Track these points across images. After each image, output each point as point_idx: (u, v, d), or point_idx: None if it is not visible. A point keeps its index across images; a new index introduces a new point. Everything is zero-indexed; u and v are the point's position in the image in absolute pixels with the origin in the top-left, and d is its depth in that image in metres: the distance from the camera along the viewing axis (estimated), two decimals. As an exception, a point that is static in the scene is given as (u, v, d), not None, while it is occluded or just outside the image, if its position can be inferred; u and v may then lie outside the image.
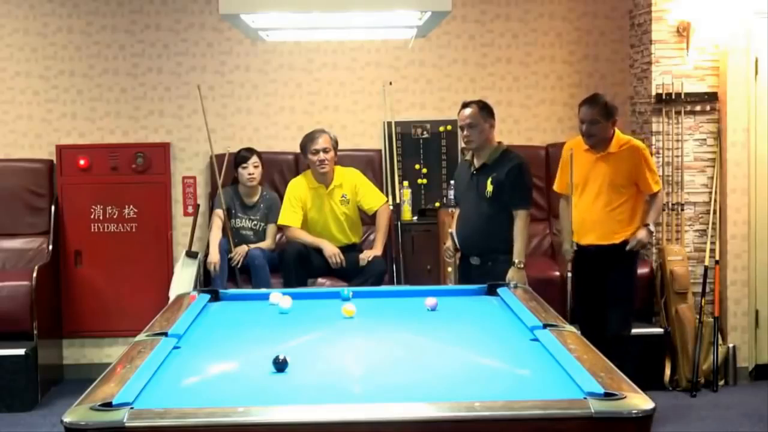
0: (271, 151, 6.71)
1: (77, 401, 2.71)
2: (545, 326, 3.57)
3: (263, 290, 5.05)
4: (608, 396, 2.68)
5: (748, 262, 6.35)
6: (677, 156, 6.38)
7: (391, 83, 6.81)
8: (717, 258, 6.33)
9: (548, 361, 3.16)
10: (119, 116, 6.81)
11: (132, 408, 2.63)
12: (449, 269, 5.97)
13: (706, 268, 6.30)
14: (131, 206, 6.68)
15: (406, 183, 6.77)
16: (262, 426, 2.59)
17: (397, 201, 6.64)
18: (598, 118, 5.20)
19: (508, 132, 6.72)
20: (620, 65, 6.86)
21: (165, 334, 3.53)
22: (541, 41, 6.89)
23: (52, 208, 6.61)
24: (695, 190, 6.40)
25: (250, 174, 6.28)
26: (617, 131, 5.30)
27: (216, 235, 6.21)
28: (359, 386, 3.02)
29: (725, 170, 6.32)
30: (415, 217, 6.74)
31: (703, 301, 6.24)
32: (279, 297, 4.21)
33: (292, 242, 6.17)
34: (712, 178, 6.36)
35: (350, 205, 6.24)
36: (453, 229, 5.50)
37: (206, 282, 6.17)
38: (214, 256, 6.11)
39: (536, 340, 3.44)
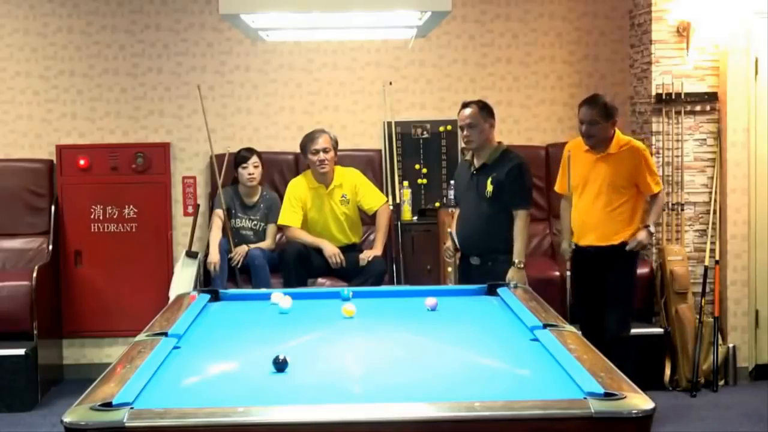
0: (271, 151, 6.71)
1: (77, 401, 2.71)
2: (545, 326, 3.57)
3: (263, 290, 5.06)
4: (608, 396, 2.68)
5: (748, 262, 6.35)
6: (677, 156, 6.38)
7: (391, 83, 6.82)
8: (717, 258, 6.33)
9: (548, 361, 3.16)
10: (119, 116, 6.81)
11: (132, 408, 2.63)
12: (449, 269, 5.97)
13: (706, 268, 6.30)
14: (131, 206, 6.68)
15: (406, 183, 6.77)
16: (262, 426, 2.59)
17: (397, 201, 6.64)
18: (597, 118, 5.19)
19: (508, 132, 6.72)
20: (620, 65, 6.86)
21: (165, 334, 3.53)
22: (541, 41, 6.89)
23: (52, 208, 6.61)
24: (695, 190, 6.40)
25: (250, 174, 6.28)
26: (618, 132, 5.30)
27: (216, 235, 6.21)
28: (359, 386, 3.02)
29: (725, 170, 6.32)
30: (415, 217, 6.74)
31: (703, 301, 6.24)
32: (281, 297, 4.21)
33: (292, 242, 6.17)
34: (712, 178, 6.37)
35: (350, 205, 6.24)
36: (452, 229, 5.50)
37: (206, 282, 6.17)
38: (214, 256, 6.11)
39: (536, 340, 3.44)
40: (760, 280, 6.36)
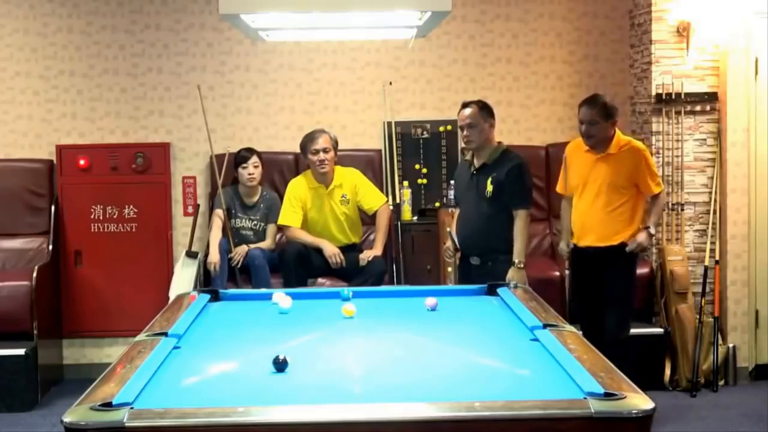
0: (271, 151, 6.71)
1: (77, 401, 2.71)
2: (545, 326, 3.57)
3: (263, 290, 5.06)
4: (608, 396, 2.68)
5: (748, 262, 6.35)
6: (677, 156, 6.38)
7: (391, 83, 6.82)
8: (717, 258, 6.33)
9: (548, 361, 3.16)
10: (119, 116, 6.81)
11: (132, 408, 2.63)
12: (449, 269, 5.97)
13: (706, 268, 6.30)
14: (131, 206, 6.68)
15: (406, 183, 6.77)
16: (262, 426, 2.59)
17: (397, 201, 6.64)
18: (596, 118, 5.18)
19: (508, 132, 6.72)
20: (620, 65, 6.86)
21: (165, 334, 3.53)
22: (541, 41, 6.89)
23: (52, 208, 6.61)
24: (695, 190, 6.40)
25: (250, 174, 6.28)
26: (618, 132, 5.28)
27: (216, 235, 6.21)
28: (359, 386, 3.02)
29: (725, 170, 6.32)
30: (415, 217, 6.74)
31: (703, 301, 6.25)
32: (283, 297, 4.21)
33: (292, 242, 6.17)
34: (712, 178, 6.37)
35: (350, 205, 6.24)
36: (451, 229, 5.50)
37: (206, 282, 6.17)
38: (214, 256, 6.11)
39: (536, 340, 3.44)
40: (760, 280, 6.36)
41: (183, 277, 6.24)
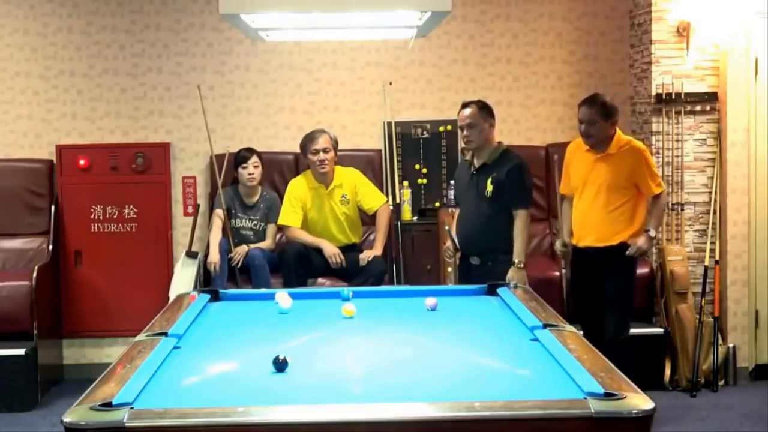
0: (271, 151, 6.71)
1: (77, 401, 2.72)
2: (545, 326, 3.57)
3: (263, 290, 5.06)
4: (608, 396, 2.68)
5: (748, 262, 6.35)
6: (677, 156, 6.38)
7: (391, 83, 6.82)
8: (717, 258, 6.33)
9: (548, 361, 3.16)
10: (119, 116, 6.81)
11: (132, 408, 2.63)
12: (449, 269, 5.97)
13: (706, 268, 6.30)
14: (131, 206, 6.68)
15: (406, 183, 6.77)
16: (262, 426, 2.59)
17: (397, 201, 6.64)
18: (596, 118, 5.17)
19: (508, 132, 6.72)
20: (620, 65, 6.86)
21: (165, 334, 3.53)
22: (541, 41, 6.89)
23: (52, 208, 6.61)
24: (695, 190, 6.40)
25: (250, 174, 6.28)
26: (618, 132, 5.27)
27: (216, 235, 6.21)
28: (359, 386, 3.02)
29: (725, 170, 6.32)
30: (415, 217, 6.74)
31: (703, 301, 6.25)
32: (285, 296, 4.20)
33: (292, 242, 6.17)
34: (712, 178, 6.37)
35: (350, 205, 6.24)
36: (450, 228, 5.49)
37: (206, 282, 6.17)
38: (214, 256, 6.11)
39: (536, 340, 3.44)
40: (760, 280, 6.36)
41: (183, 277, 6.24)
